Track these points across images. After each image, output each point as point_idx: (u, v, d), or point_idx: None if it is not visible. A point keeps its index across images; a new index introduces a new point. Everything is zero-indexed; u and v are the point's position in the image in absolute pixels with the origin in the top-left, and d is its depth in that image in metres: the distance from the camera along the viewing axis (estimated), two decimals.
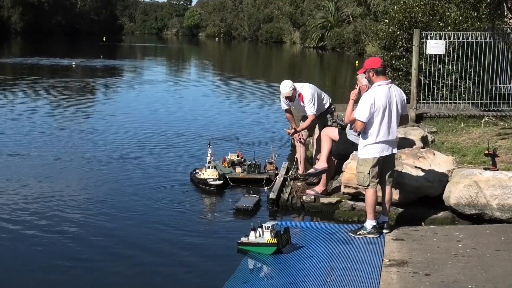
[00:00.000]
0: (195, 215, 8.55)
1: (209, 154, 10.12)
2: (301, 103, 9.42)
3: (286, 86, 9.36)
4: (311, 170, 8.89)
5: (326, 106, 9.58)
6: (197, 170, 10.18)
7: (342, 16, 69.19)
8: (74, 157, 12.05)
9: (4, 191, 9.61)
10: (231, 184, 9.94)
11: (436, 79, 13.23)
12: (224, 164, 10.54)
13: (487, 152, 8.51)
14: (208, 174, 9.83)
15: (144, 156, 12.29)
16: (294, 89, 9.39)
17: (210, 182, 9.69)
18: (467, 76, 13.31)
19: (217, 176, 9.80)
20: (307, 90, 9.39)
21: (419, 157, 8.29)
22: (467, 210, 7.63)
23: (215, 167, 9.96)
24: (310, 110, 9.34)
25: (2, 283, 6.36)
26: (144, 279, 6.39)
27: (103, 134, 14.64)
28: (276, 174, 9.98)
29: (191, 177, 10.23)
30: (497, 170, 8.09)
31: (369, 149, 7.00)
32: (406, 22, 14.18)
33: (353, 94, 7.47)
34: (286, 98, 9.46)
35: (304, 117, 9.58)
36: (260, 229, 6.89)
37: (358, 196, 8.25)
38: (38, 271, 6.63)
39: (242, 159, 10.71)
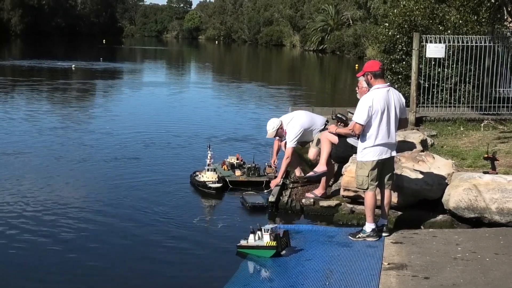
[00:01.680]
0: (194, 218, 8.53)
1: (208, 157, 10.12)
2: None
3: (269, 127, 9.80)
4: (311, 173, 8.90)
5: (315, 132, 9.62)
6: (197, 173, 10.18)
7: (342, 20, 69.32)
8: (74, 158, 12.04)
9: (6, 189, 9.65)
10: (231, 186, 9.94)
11: (436, 82, 13.23)
12: (223, 167, 10.54)
13: (486, 155, 8.51)
14: (208, 177, 9.82)
15: (143, 158, 12.30)
16: (280, 128, 9.73)
17: (209, 185, 9.68)
18: (467, 79, 13.31)
19: (217, 179, 9.80)
20: (291, 127, 9.62)
21: (418, 161, 8.29)
22: (466, 213, 7.64)
23: (214, 170, 9.96)
24: (289, 143, 9.63)
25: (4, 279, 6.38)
26: (143, 281, 6.39)
27: (104, 136, 14.62)
28: (276, 177, 9.98)
29: (191, 179, 10.23)
30: (497, 173, 8.09)
31: (368, 152, 7.00)
32: (406, 26, 14.18)
33: (333, 128, 7.93)
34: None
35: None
36: (259, 232, 6.89)
37: (357, 199, 8.25)
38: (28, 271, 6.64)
39: (242, 162, 10.71)
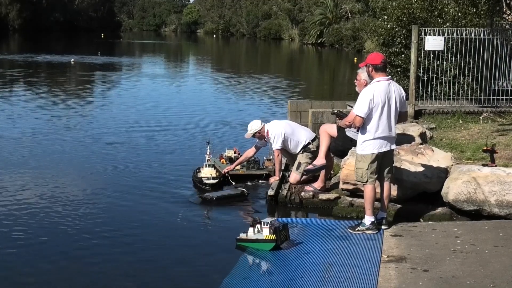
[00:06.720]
0: (193, 212, 8.55)
1: (207, 153, 10.12)
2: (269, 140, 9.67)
3: (248, 128, 9.71)
4: (310, 167, 8.91)
5: (299, 147, 9.47)
6: (200, 169, 10.16)
7: (341, 13, 69.13)
8: (74, 151, 12.07)
9: (7, 182, 9.72)
10: (230, 181, 9.92)
11: (435, 75, 13.22)
12: (221, 160, 10.55)
13: (485, 148, 8.51)
14: (205, 173, 9.82)
15: (146, 152, 12.32)
16: (258, 132, 9.61)
17: (205, 181, 9.66)
18: (466, 72, 13.31)
19: (214, 175, 9.77)
20: (272, 128, 9.56)
21: (417, 153, 8.29)
22: (465, 206, 7.64)
23: (213, 166, 9.94)
24: (274, 146, 9.56)
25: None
26: (142, 276, 6.39)
27: (106, 130, 14.66)
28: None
29: (192, 175, 10.18)
30: (496, 166, 8.10)
31: (368, 145, 6.99)
32: (404, 18, 14.16)
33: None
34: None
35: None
36: (258, 226, 6.89)
37: (356, 192, 8.25)
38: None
39: (240, 156, 10.68)
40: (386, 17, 14.95)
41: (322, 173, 8.91)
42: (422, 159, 8.20)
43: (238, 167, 10.21)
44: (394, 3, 14.91)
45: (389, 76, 7.24)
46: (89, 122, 15.73)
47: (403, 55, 14.07)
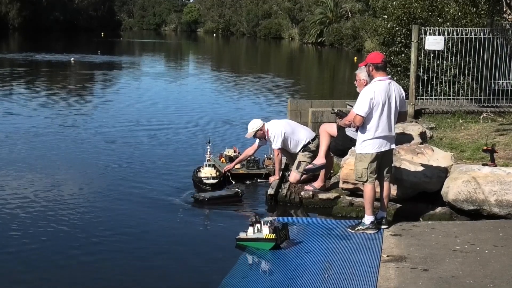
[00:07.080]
0: (192, 212, 8.54)
1: (208, 152, 10.11)
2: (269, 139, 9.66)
3: (249, 127, 9.67)
4: (310, 166, 8.90)
5: (299, 147, 9.44)
6: (200, 169, 10.15)
7: (341, 12, 69.15)
8: (73, 150, 12.06)
9: (4, 181, 9.72)
10: (230, 180, 9.91)
11: (435, 75, 13.22)
12: (221, 159, 10.55)
13: (485, 148, 8.51)
14: (205, 172, 9.81)
15: (146, 151, 12.32)
16: (260, 129, 9.58)
17: (205, 181, 9.65)
18: (466, 72, 13.30)
19: (214, 175, 9.76)
20: (272, 128, 9.53)
21: (417, 153, 8.29)
22: (465, 206, 7.64)
23: (213, 166, 9.93)
24: (273, 145, 9.53)
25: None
26: (142, 275, 6.39)
27: (105, 128, 14.66)
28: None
29: (193, 175, 10.17)
30: (496, 166, 8.10)
31: (367, 145, 6.99)
32: (405, 18, 14.16)
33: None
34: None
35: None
36: (258, 225, 6.89)
37: (356, 192, 8.25)
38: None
39: (239, 155, 10.67)
40: (386, 16, 14.95)
41: (322, 172, 8.90)
42: (422, 159, 8.20)
43: (238, 166, 10.20)
44: (394, 3, 14.89)
45: (389, 76, 7.24)
46: (88, 121, 15.73)
47: (403, 55, 14.07)
